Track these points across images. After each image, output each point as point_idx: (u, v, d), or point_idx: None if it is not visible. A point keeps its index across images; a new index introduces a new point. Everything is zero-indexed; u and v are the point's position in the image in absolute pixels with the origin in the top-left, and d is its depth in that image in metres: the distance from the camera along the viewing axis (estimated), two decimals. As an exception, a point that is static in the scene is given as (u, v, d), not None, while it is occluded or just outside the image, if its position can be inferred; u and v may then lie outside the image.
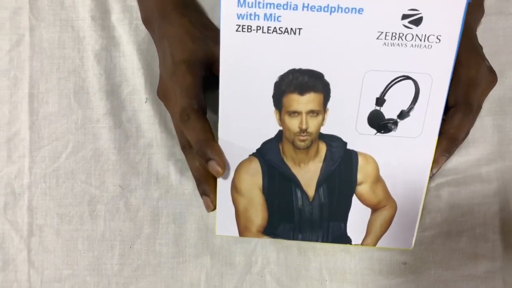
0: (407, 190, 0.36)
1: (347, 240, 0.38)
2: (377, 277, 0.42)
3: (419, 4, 0.31)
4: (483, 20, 0.45)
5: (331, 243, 0.38)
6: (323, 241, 0.38)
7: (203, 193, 0.38)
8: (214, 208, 0.38)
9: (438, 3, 0.31)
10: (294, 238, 0.38)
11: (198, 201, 0.43)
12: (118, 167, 0.44)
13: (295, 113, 0.34)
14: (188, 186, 0.43)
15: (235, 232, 0.38)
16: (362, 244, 0.38)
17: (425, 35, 0.31)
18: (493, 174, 0.43)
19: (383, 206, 0.37)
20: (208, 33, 0.39)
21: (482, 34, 0.44)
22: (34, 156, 0.44)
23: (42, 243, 0.43)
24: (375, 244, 0.38)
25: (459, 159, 0.43)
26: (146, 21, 0.42)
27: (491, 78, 0.38)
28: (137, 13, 0.45)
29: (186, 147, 0.39)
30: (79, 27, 0.45)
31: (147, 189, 0.43)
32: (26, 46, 0.45)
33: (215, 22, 0.43)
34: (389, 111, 0.34)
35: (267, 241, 0.42)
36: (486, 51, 0.40)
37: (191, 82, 0.36)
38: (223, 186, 0.37)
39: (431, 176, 0.36)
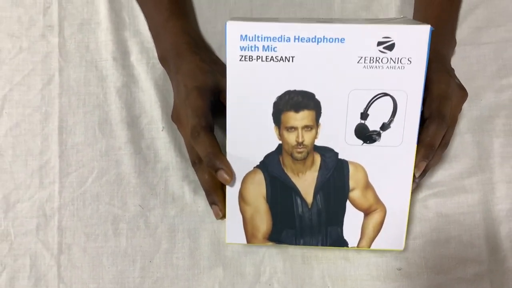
0: (393, 194, 0.41)
1: (344, 243, 0.43)
2: (375, 282, 0.46)
3: (391, 32, 0.37)
4: (459, 49, 0.51)
5: (330, 246, 0.43)
6: (322, 245, 0.43)
7: (212, 203, 0.43)
8: (223, 216, 0.43)
9: (407, 31, 0.37)
10: (296, 243, 0.43)
11: (210, 217, 0.48)
12: (138, 189, 0.49)
13: (292, 128, 0.40)
14: (201, 204, 0.48)
15: (243, 240, 0.43)
16: (357, 246, 0.43)
17: (398, 58, 0.37)
18: (475, 186, 0.48)
19: (374, 209, 0.42)
20: (216, 67, 0.45)
21: (458, 62, 0.50)
22: (63, 182, 0.49)
23: (70, 260, 0.48)
24: (369, 246, 0.43)
25: (444, 173, 0.48)
26: (163, 59, 0.48)
27: (461, 93, 0.43)
28: (153, 53, 0.51)
29: (196, 163, 0.44)
30: (102, 67, 0.52)
31: (164, 208, 0.48)
32: (56, 85, 0.51)
33: (222, 59, 0.49)
34: (373, 124, 0.39)
35: (274, 251, 0.47)
36: (462, 77, 0.46)
37: (201, 104, 0.41)
38: (232, 197, 0.42)
39: (415, 180, 0.41)
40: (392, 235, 0.42)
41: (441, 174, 0.48)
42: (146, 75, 0.51)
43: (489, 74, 0.51)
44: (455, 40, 0.49)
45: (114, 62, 0.51)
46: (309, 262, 0.47)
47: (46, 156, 0.50)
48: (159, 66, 0.51)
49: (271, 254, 0.47)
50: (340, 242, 0.43)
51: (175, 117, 0.45)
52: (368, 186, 0.41)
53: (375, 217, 0.42)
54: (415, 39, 0.37)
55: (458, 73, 0.46)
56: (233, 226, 0.42)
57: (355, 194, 0.41)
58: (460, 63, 0.50)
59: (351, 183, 0.41)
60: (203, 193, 0.47)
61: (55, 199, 0.49)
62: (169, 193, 0.49)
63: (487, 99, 0.50)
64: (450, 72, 0.44)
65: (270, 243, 0.43)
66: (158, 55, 0.49)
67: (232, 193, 0.42)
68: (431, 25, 0.37)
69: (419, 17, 0.50)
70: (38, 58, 0.52)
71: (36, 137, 0.50)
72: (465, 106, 0.46)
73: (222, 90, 0.41)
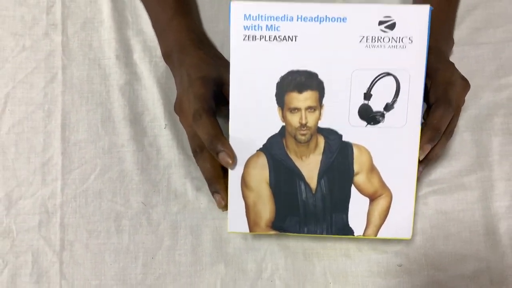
0: (399, 178, 0.41)
1: (349, 231, 0.42)
2: (376, 278, 0.47)
3: (391, 11, 0.37)
4: (458, 49, 0.51)
5: (335, 235, 0.42)
6: (327, 233, 0.42)
7: (214, 192, 0.42)
8: (225, 205, 0.42)
9: (407, 11, 0.38)
10: (300, 231, 0.42)
11: (212, 214, 0.48)
12: (141, 186, 0.49)
13: (295, 110, 0.40)
14: (204, 201, 0.48)
15: (246, 228, 0.42)
16: (364, 235, 0.42)
17: (399, 37, 0.38)
18: (474, 183, 0.48)
19: (379, 195, 0.41)
20: (219, 62, 0.45)
21: (457, 62, 0.50)
22: (66, 179, 0.49)
23: (72, 257, 0.48)
24: (376, 235, 0.42)
25: (443, 170, 0.49)
26: (166, 55, 0.48)
27: (464, 83, 0.43)
28: (156, 52, 0.52)
29: (197, 151, 0.43)
30: (105, 65, 0.52)
31: (167, 205, 0.49)
32: (59, 83, 0.52)
33: (225, 55, 0.50)
34: (376, 105, 0.39)
35: (276, 248, 0.47)
36: None
37: (204, 91, 0.41)
38: (234, 183, 0.41)
39: (419, 169, 0.41)
40: (399, 222, 0.42)
41: (440, 172, 0.49)
42: (149, 73, 0.51)
43: (488, 74, 0.51)
44: (453, 40, 0.50)
45: (117, 60, 0.52)
46: (311, 258, 0.47)
47: (48, 153, 0.50)
48: (161, 64, 0.51)
49: (273, 250, 0.47)
50: (345, 230, 0.42)
51: (178, 107, 0.45)
52: (373, 169, 0.41)
53: (380, 203, 0.42)
54: (415, 18, 0.37)
55: None
56: (235, 214, 0.42)
57: (360, 178, 0.41)
58: (459, 63, 0.50)
59: (356, 167, 0.41)
60: (206, 190, 0.48)
61: (57, 196, 0.49)
62: (171, 190, 0.49)
63: (485, 98, 0.51)
64: (453, 65, 0.45)
65: (273, 232, 0.42)
66: (162, 52, 0.50)
67: (234, 178, 0.41)
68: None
69: None
70: (41, 56, 0.52)
71: (39, 135, 0.50)
72: (465, 105, 0.47)
73: (225, 83, 0.41)
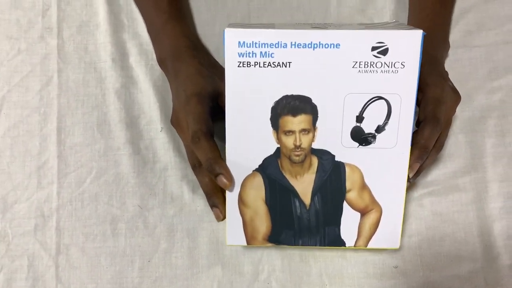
0: (388, 194, 0.42)
1: (341, 243, 0.43)
2: (372, 280, 0.47)
3: (384, 37, 0.37)
4: (451, 52, 0.52)
5: (327, 246, 0.44)
6: (320, 245, 0.43)
7: (213, 205, 0.44)
8: (224, 218, 0.43)
9: (400, 36, 0.37)
10: (295, 244, 0.43)
11: (209, 216, 0.48)
12: (137, 189, 0.49)
13: (289, 132, 0.40)
14: (200, 203, 0.49)
15: (243, 242, 0.43)
16: (355, 246, 0.43)
17: (392, 62, 0.38)
18: (468, 185, 0.49)
19: (370, 210, 0.42)
20: (214, 71, 0.46)
21: (451, 64, 0.52)
22: (62, 182, 0.49)
23: (68, 261, 0.48)
24: (366, 245, 0.43)
25: (438, 172, 0.49)
26: (161, 61, 0.49)
27: (455, 96, 0.44)
28: (152, 55, 0.52)
29: (196, 166, 0.44)
30: (101, 68, 0.52)
31: (163, 207, 0.49)
32: (54, 86, 0.52)
33: (219, 61, 0.50)
34: (368, 127, 0.40)
35: (272, 250, 0.47)
36: (455, 79, 0.47)
37: (201, 110, 0.42)
38: (231, 200, 0.42)
39: (409, 181, 0.42)
40: (388, 234, 0.43)
41: (435, 174, 0.49)
42: (145, 77, 0.52)
43: (481, 76, 0.52)
44: (449, 43, 0.51)
45: (113, 63, 0.52)
46: (307, 260, 0.47)
47: (44, 156, 0.50)
48: (157, 67, 0.51)
49: (269, 253, 0.47)
50: (337, 242, 0.43)
51: (175, 122, 0.45)
52: (364, 187, 0.42)
53: (371, 217, 0.43)
54: (408, 43, 0.38)
55: (451, 75, 0.47)
56: (233, 228, 0.43)
57: (351, 195, 0.42)
58: (453, 65, 0.51)
59: (348, 184, 0.42)
60: (202, 192, 0.48)
61: (53, 199, 0.49)
62: (167, 193, 0.49)
63: (479, 101, 0.51)
64: (444, 75, 0.45)
65: (270, 244, 0.44)
66: (156, 58, 0.50)
67: (232, 196, 0.42)
68: (425, 29, 0.38)
69: (413, 21, 0.51)
70: (37, 60, 0.52)
71: (35, 138, 0.50)
72: (458, 107, 0.47)
73: (221, 94, 0.42)
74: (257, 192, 0.42)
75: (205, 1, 0.54)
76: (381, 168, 0.41)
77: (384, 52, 0.38)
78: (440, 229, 0.48)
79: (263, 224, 0.43)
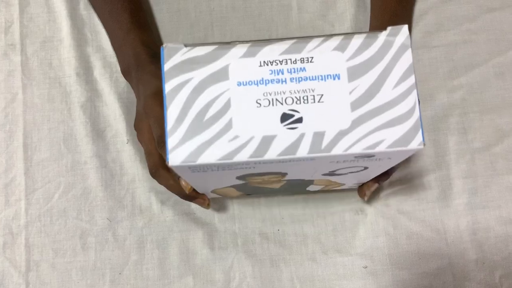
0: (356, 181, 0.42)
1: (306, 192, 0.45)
2: (342, 281, 0.47)
3: (372, 153, 0.31)
4: (412, 53, 0.53)
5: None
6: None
7: (191, 201, 0.44)
8: (209, 203, 0.44)
9: (391, 152, 0.31)
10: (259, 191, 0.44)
11: (178, 226, 0.48)
12: (105, 202, 0.49)
13: (258, 180, 0.37)
14: (169, 213, 0.49)
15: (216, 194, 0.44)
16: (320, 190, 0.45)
17: (378, 159, 0.32)
18: (433, 182, 0.50)
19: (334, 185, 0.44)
20: None
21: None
22: (30, 199, 0.49)
23: (39, 277, 0.47)
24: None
25: (404, 171, 0.50)
26: (125, 72, 0.49)
27: None
28: (116, 68, 0.52)
29: (153, 171, 0.43)
30: (66, 83, 0.52)
31: (132, 219, 0.49)
32: (19, 102, 0.51)
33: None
34: (341, 172, 0.36)
35: (242, 256, 0.48)
36: (417, 79, 0.48)
37: (160, 111, 0.42)
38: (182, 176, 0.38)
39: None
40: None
41: (401, 172, 0.50)
42: (110, 89, 0.52)
43: (441, 76, 0.53)
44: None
45: (77, 77, 0.52)
46: (277, 265, 0.48)
47: (11, 173, 0.50)
48: (122, 79, 0.51)
49: (240, 259, 0.48)
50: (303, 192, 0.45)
51: (136, 125, 0.45)
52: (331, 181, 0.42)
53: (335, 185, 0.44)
54: (399, 154, 0.32)
55: None
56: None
57: (318, 183, 0.42)
58: (414, 66, 0.52)
59: (315, 182, 0.41)
60: (171, 203, 0.48)
61: (21, 216, 0.49)
62: (136, 205, 0.49)
63: (440, 100, 0.52)
64: None
65: (246, 196, 0.45)
66: (120, 69, 0.50)
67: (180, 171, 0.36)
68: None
69: (374, 24, 0.52)
70: (1, 77, 0.52)
71: (1, 156, 0.50)
72: (422, 106, 0.48)
73: None
74: (228, 189, 0.41)
75: (168, 12, 0.54)
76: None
77: (370, 157, 0.32)
78: (406, 228, 0.49)
79: (236, 194, 0.44)
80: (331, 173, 0.36)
